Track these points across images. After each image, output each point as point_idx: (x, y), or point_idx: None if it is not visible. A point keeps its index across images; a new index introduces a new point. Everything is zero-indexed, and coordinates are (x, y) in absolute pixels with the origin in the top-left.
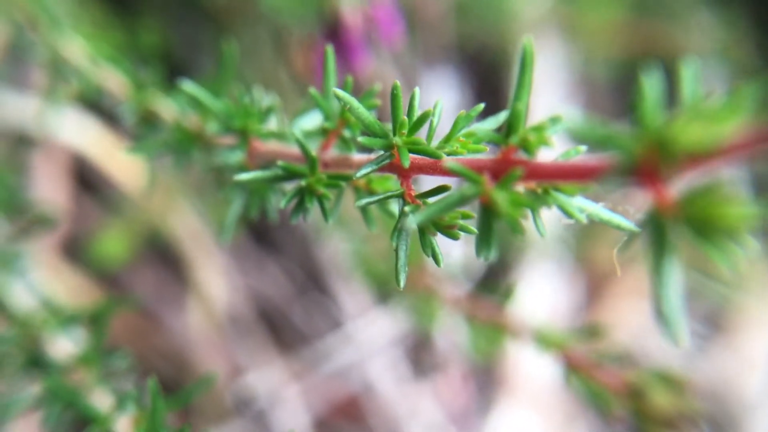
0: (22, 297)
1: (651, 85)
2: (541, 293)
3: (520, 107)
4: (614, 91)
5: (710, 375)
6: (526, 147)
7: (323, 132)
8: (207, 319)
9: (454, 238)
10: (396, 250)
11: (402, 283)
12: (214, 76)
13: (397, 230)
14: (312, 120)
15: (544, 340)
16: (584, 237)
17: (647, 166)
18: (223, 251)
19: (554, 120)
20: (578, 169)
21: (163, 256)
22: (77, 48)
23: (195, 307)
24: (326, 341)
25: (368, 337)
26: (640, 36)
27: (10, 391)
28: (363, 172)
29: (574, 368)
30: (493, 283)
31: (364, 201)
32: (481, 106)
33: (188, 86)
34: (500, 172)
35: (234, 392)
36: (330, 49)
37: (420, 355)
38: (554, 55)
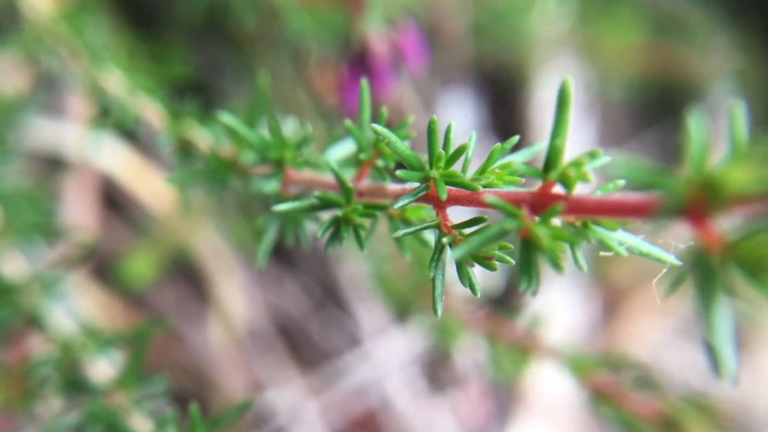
0: (62, 320)
1: (697, 127)
2: (559, 309)
3: (559, 143)
4: (629, 112)
5: (729, 393)
6: (565, 182)
7: (357, 162)
8: (227, 335)
9: (492, 269)
10: (433, 280)
11: (440, 312)
12: (248, 105)
13: (435, 261)
14: (344, 149)
15: (570, 365)
16: (594, 249)
17: (694, 206)
18: (243, 268)
19: (592, 155)
20: (621, 205)
21: (185, 273)
22: (116, 79)
23: (215, 323)
24: (344, 358)
25: (386, 354)
26: (656, 58)
27: (52, 415)
28: (400, 204)
29: (602, 395)
30: (512, 300)
31: (401, 232)
32: (516, 138)
33: (226, 118)
34: (539, 206)
35: (253, 408)
36: (365, 83)
37: (437, 371)
38: (570, 75)
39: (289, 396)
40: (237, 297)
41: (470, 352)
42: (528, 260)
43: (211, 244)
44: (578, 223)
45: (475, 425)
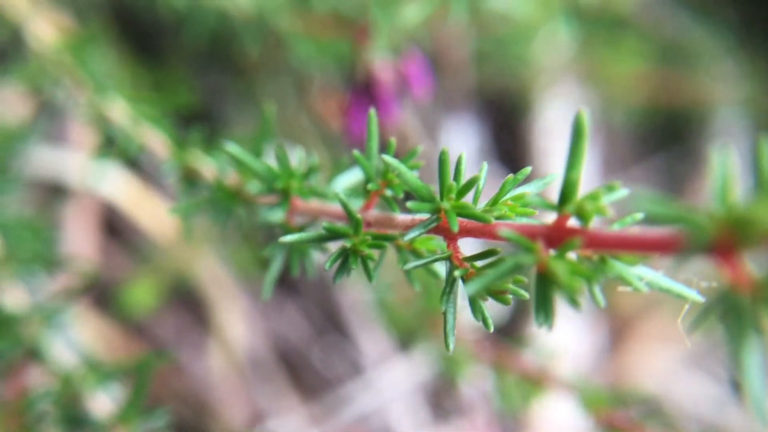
0: (62, 353)
1: (721, 161)
2: (564, 338)
3: (575, 176)
4: (633, 139)
5: (739, 423)
6: (582, 216)
7: (365, 192)
8: (228, 363)
9: (506, 303)
10: (444, 314)
11: (452, 347)
12: (253, 134)
13: (446, 294)
14: (351, 178)
15: (583, 400)
16: (607, 280)
17: (722, 244)
18: (244, 295)
19: (610, 188)
20: (643, 240)
21: (186, 301)
22: (120, 108)
23: (216, 351)
24: (346, 386)
25: (389, 382)
26: (661, 85)
27: None
28: (411, 236)
29: (614, 430)
30: (517, 329)
31: (411, 264)
32: (528, 169)
33: (231, 147)
34: (555, 239)
35: None
36: (372, 111)
37: (441, 400)
38: (573, 101)
39: (290, 425)
40: (238, 324)
41: (476, 381)
42: (544, 295)
43: (212, 272)
44: (595, 258)
45: None
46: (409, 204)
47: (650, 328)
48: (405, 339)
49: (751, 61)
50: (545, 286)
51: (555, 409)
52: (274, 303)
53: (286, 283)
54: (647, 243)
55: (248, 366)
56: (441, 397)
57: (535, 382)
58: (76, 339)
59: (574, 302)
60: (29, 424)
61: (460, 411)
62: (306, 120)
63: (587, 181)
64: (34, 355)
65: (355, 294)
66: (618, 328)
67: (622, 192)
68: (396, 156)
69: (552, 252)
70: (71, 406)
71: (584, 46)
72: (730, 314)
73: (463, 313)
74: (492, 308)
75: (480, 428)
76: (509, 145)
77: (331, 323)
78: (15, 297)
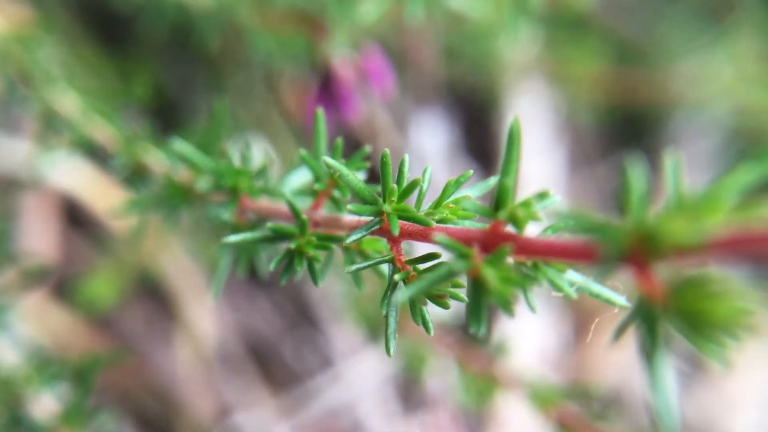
0: (6, 352)
1: (636, 176)
2: (529, 332)
3: (509, 183)
4: (598, 135)
5: (693, 415)
6: (515, 222)
7: (313, 192)
8: (195, 356)
9: (445, 307)
10: (386, 317)
11: (391, 351)
12: (205, 130)
13: (387, 297)
14: (302, 177)
15: (535, 398)
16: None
17: (635, 256)
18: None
19: (542, 196)
20: (568, 249)
21: (152, 292)
22: (70, 101)
23: (183, 344)
24: (316, 379)
25: (358, 375)
26: (621, 84)
27: None
28: (353, 238)
29: (566, 427)
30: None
31: (353, 267)
32: (470, 172)
33: (179, 145)
34: (490, 244)
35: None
36: (321, 110)
37: (410, 393)
38: (540, 99)
39: (259, 419)
40: (206, 317)
41: (441, 375)
42: (477, 302)
43: (179, 264)
44: (528, 263)
45: None
46: (349, 206)
47: (613, 322)
48: (374, 332)
49: (711, 61)
50: (478, 292)
51: (516, 406)
52: (244, 296)
53: (256, 276)
54: (572, 252)
55: (217, 359)
56: (410, 389)
57: (492, 378)
58: (24, 337)
59: (507, 309)
60: None
61: (426, 405)
62: (275, 113)
63: (554, 177)
64: None
65: (325, 287)
66: (583, 322)
67: (554, 199)
68: (349, 156)
69: (485, 258)
70: (13, 407)
71: (549, 45)
72: (643, 323)
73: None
74: (456, 303)
75: (444, 422)
76: (479, 141)
77: (301, 316)
78: None
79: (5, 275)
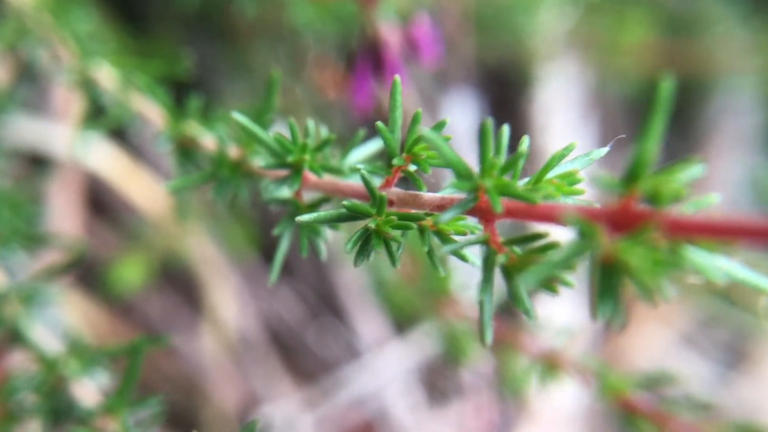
0: (45, 336)
1: None
2: (562, 317)
3: (649, 151)
4: (635, 110)
5: (733, 403)
6: (657, 198)
7: (386, 167)
8: (219, 345)
9: (554, 292)
10: (480, 304)
11: (489, 340)
12: (255, 105)
13: (484, 282)
14: (366, 151)
15: (602, 384)
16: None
17: None
18: (236, 274)
19: (684, 165)
20: (740, 227)
21: (176, 280)
22: (108, 74)
23: (207, 332)
24: (342, 368)
25: (384, 364)
26: (667, 56)
27: None
28: (447, 216)
29: (639, 417)
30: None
31: (447, 249)
32: (575, 143)
33: (239, 117)
34: (622, 224)
35: (247, 421)
36: (398, 79)
37: (437, 381)
38: (572, 73)
39: (285, 409)
40: (230, 305)
41: (476, 363)
42: (611, 289)
43: (203, 250)
44: (663, 245)
45: None
46: (450, 182)
47: (646, 309)
48: (402, 320)
49: (764, 31)
50: (613, 277)
51: (553, 392)
52: (267, 283)
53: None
54: (747, 230)
55: (241, 348)
56: (437, 379)
57: (549, 364)
58: (60, 321)
59: (649, 296)
60: (13, 413)
61: (457, 393)
62: (299, 91)
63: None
64: (14, 338)
65: (350, 273)
66: None
67: (698, 169)
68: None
69: (618, 238)
70: (55, 393)
71: (588, 15)
72: None
73: (466, 293)
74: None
75: (477, 410)
76: (508, 120)
77: (326, 304)
78: None
79: (38, 258)
